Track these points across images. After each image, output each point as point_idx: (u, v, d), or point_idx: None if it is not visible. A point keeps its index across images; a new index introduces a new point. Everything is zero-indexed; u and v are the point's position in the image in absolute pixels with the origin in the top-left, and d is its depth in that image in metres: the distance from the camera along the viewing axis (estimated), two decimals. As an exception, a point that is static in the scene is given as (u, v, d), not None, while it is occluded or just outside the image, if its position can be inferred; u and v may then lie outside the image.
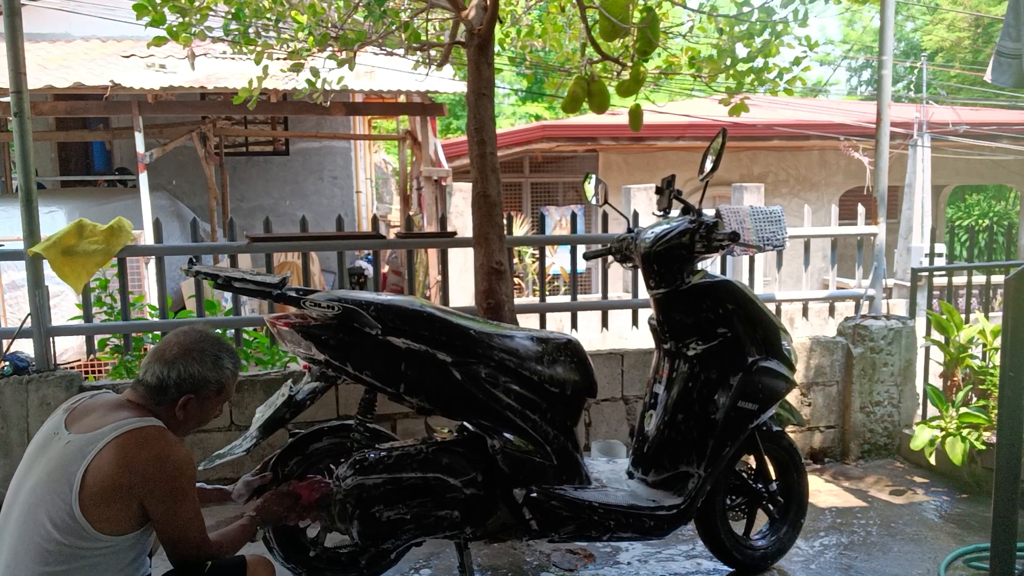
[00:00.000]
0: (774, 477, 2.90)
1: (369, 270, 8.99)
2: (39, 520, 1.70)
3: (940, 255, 9.11)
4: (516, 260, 11.52)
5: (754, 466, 2.88)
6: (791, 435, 3.25)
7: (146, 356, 1.96)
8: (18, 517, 1.74)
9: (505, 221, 3.58)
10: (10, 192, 10.15)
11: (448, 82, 8.03)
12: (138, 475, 1.74)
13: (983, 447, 3.50)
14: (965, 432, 3.56)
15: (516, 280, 11.35)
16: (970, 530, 3.29)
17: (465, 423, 2.48)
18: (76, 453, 1.73)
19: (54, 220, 6.68)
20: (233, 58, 4.00)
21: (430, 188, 9.45)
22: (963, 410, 3.64)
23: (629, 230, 2.97)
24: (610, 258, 2.98)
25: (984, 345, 3.94)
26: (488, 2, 3.25)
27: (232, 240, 3.89)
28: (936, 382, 4.14)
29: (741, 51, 3.87)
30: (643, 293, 3.47)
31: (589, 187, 3.11)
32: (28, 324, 3.43)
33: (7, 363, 3.45)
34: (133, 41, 9.28)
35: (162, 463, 1.77)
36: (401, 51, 3.99)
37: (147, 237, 7.01)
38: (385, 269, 10.91)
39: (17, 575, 1.71)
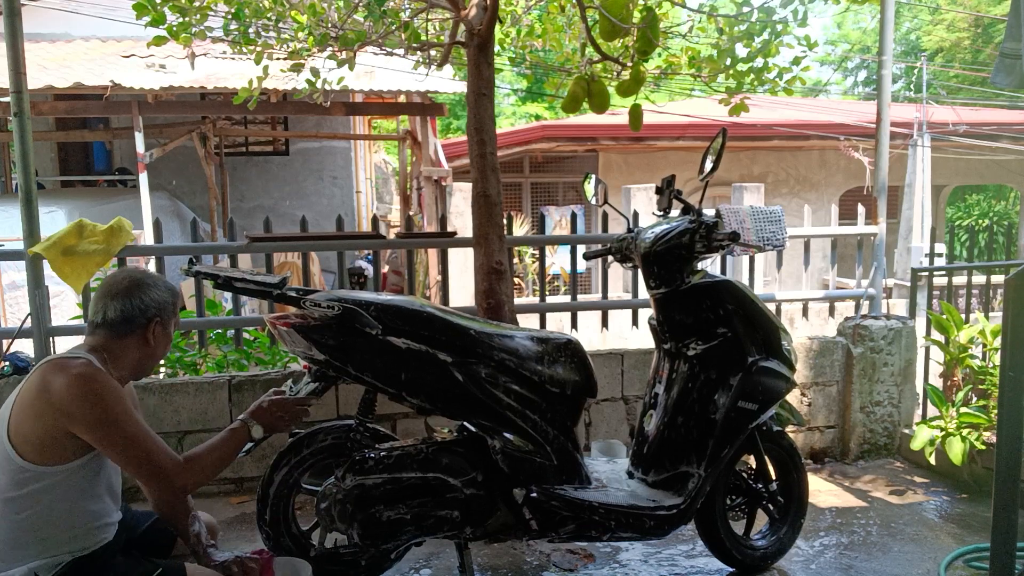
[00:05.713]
0: (774, 477, 2.90)
1: (369, 270, 8.99)
2: None
3: (940, 255, 9.11)
4: (516, 260, 11.52)
5: (754, 466, 2.88)
6: (791, 435, 3.25)
7: (92, 301, 1.97)
8: None
9: (505, 221, 3.58)
10: (10, 192, 10.15)
11: (448, 82, 8.03)
12: (56, 399, 1.76)
13: (983, 447, 3.50)
14: (965, 432, 3.56)
15: (516, 280, 11.34)
16: (970, 530, 3.29)
17: (465, 423, 2.48)
18: (10, 394, 1.82)
19: (54, 220, 6.68)
20: (233, 58, 4.01)
21: (430, 188, 9.45)
22: (963, 410, 3.64)
23: (629, 230, 2.97)
24: (610, 258, 2.98)
25: (984, 345, 3.94)
26: (488, 2, 3.26)
27: (232, 240, 3.89)
28: (936, 382, 4.13)
29: (741, 51, 3.87)
30: (643, 293, 3.47)
31: (589, 187, 3.10)
32: (28, 324, 3.43)
33: (7, 363, 3.45)
34: (133, 41, 9.29)
35: (81, 386, 1.77)
36: (401, 51, 4.00)
37: (147, 237, 7.01)
38: (385, 269, 10.91)
39: None
